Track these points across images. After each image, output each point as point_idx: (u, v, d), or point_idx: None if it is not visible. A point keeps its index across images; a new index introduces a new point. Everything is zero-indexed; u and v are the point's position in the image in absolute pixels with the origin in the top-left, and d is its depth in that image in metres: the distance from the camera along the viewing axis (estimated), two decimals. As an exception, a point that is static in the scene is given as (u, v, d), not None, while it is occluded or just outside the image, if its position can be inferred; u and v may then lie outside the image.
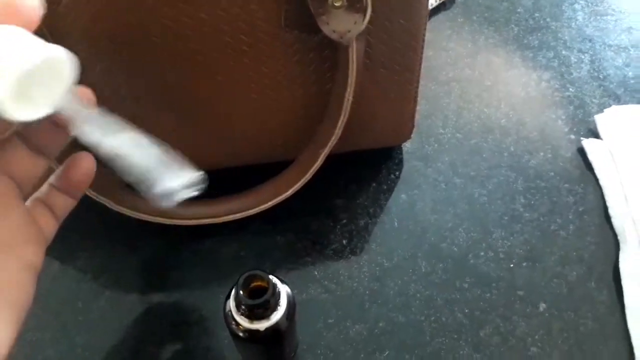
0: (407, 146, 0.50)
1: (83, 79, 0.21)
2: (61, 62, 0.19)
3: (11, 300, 0.22)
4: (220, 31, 0.33)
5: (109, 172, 0.40)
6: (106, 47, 0.33)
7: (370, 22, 0.33)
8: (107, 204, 0.40)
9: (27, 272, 0.24)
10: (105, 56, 0.34)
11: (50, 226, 0.27)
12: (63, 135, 0.25)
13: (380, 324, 0.40)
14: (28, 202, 0.26)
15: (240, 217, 0.42)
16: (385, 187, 0.48)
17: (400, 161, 0.50)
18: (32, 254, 0.24)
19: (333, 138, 0.39)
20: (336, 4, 0.32)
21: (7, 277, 0.23)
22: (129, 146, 0.20)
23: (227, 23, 0.33)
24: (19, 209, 0.24)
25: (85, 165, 0.27)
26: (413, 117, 0.45)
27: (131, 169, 0.20)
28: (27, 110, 0.19)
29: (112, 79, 0.35)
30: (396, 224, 0.46)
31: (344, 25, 0.32)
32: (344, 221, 0.46)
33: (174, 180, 0.20)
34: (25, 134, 0.24)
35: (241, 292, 0.30)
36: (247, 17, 0.33)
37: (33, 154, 0.25)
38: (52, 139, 0.25)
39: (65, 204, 0.28)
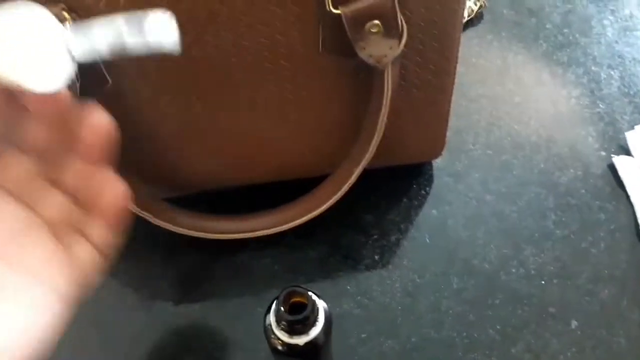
0: (437, 162, 0.51)
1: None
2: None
3: (26, 325, 0.22)
4: (262, 58, 0.34)
5: (149, 187, 0.41)
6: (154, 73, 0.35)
7: (405, 46, 0.34)
8: (147, 218, 0.41)
9: (52, 296, 0.23)
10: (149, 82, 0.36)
11: (86, 253, 0.26)
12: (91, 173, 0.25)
13: (413, 340, 0.41)
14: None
15: (274, 232, 0.43)
16: (416, 202, 0.49)
17: (431, 177, 0.50)
18: (61, 281, 0.24)
19: (367, 156, 0.40)
20: (373, 30, 0.33)
21: (29, 300, 0.22)
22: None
23: (268, 49, 0.34)
24: (47, 239, 0.24)
25: (97, 118, 0.25)
26: (444, 135, 0.46)
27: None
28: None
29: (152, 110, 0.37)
30: (427, 239, 0.46)
31: (380, 50, 0.33)
32: (375, 236, 0.47)
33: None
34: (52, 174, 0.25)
35: (282, 307, 0.31)
36: (286, 43, 0.34)
37: (62, 194, 0.25)
38: (80, 176, 0.25)
39: (100, 232, 0.26)
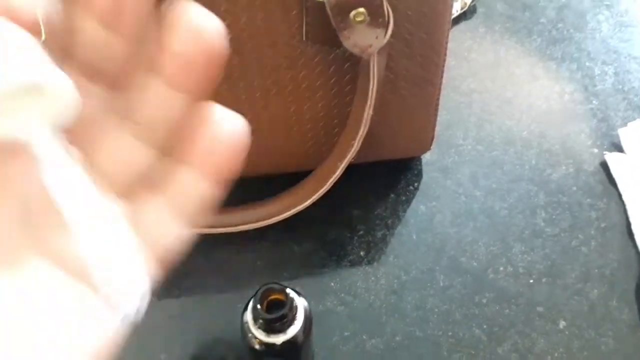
0: (426, 157, 0.50)
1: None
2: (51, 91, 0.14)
3: None
4: (244, 47, 0.33)
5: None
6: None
7: (391, 35, 0.33)
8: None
9: None
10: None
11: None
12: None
13: (397, 338, 0.40)
14: None
15: (258, 226, 0.42)
16: (403, 198, 0.48)
17: (420, 172, 0.49)
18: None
19: (352, 150, 0.39)
20: (358, 19, 0.31)
21: None
22: None
23: (250, 38, 0.33)
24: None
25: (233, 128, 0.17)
26: (433, 129, 0.45)
27: None
28: None
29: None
30: (414, 236, 0.45)
31: (365, 40, 0.32)
32: (361, 232, 0.46)
33: None
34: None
35: (258, 305, 0.30)
36: (269, 32, 0.33)
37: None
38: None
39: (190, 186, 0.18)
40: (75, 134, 0.16)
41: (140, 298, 0.17)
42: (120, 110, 0.17)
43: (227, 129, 0.17)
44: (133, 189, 0.17)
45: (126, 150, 0.17)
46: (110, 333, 0.18)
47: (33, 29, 0.14)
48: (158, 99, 0.17)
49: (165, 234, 0.18)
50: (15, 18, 0.14)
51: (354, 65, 0.35)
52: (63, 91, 0.14)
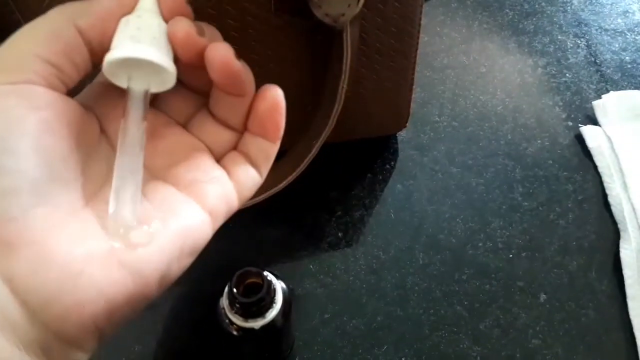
0: (402, 135, 0.49)
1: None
2: (161, 70, 0.22)
3: None
4: (207, 16, 0.31)
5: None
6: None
7: (364, 5, 0.31)
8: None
9: (206, 216, 0.24)
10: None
11: (246, 174, 0.25)
12: (240, 106, 0.25)
13: (378, 318, 0.39)
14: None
15: (232, 210, 0.41)
16: (380, 177, 0.47)
17: (396, 151, 0.48)
18: (217, 202, 0.24)
19: (327, 128, 0.37)
20: (329, -14, 0.30)
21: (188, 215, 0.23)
22: None
23: (214, 9, 0.31)
24: (209, 163, 0.25)
25: (270, 94, 0.25)
26: (409, 104, 0.44)
27: None
28: (117, 74, 0.22)
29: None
30: (392, 215, 0.45)
31: (337, 8, 0.31)
32: (339, 213, 0.45)
33: None
34: (210, 108, 0.25)
35: (235, 289, 0.28)
36: (235, 2, 0.31)
37: (219, 125, 0.25)
38: (230, 109, 0.25)
39: (259, 147, 0.26)
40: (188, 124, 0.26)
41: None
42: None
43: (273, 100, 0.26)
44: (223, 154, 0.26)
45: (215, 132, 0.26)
46: None
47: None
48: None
49: (249, 183, 0.25)
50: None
51: (327, 37, 0.33)
52: (171, 73, 0.22)
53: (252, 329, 0.29)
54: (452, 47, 0.55)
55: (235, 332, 0.30)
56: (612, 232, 0.43)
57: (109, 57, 0.21)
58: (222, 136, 0.25)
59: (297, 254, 0.42)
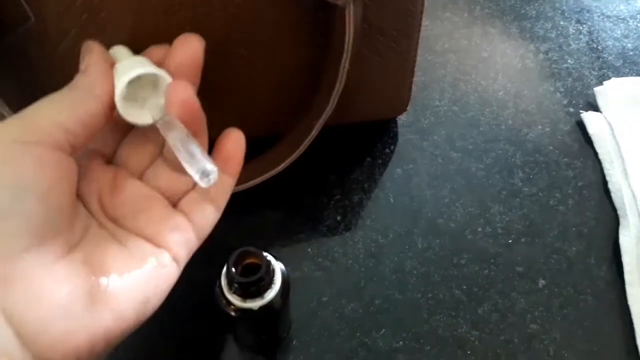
0: (402, 119, 0.49)
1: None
2: (160, 78, 0.27)
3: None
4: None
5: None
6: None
7: (368, -17, 0.31)
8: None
9: (169, 261, 0.27)
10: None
11: (204, 214, 0.29)
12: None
13: (376, 302, 0.39)
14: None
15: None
16: (380, 161, 0.46)
17: (395, 135, 0.48)
18: (179, 247, 0.28)
19: (327, 109, 0.37)
20: (332, -38, 0.29)
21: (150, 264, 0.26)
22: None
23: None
24: (167, 210, 0.28)
25: (236, 135, 0.29)
26: (410, 88, 0.43)
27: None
28: (133, 114, 0.27)
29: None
30: (391, 199, 0.44)
31: (340, -15, 0.30)
32: (338, 197, 0.44)
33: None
34: (165, 154, 0.28)
35: (233, 269, 0.28)
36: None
37: (175, 171, 0.28)
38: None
39: (218, 187, 0.29)
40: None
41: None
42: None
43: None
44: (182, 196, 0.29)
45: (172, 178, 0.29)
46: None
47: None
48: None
49: (208, 223, 0.30)
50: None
51: (329, 15, 0.33)
52: (162, 77, 0.27)
53: (250, 310, 0.29)
54: (453, 31, 0.55)
55: (233, 313, 0.30)
56: (611, 219, 0.43)
57: (116, 97, 0.26)
58: (178, 181, 0.28)
59: (295, 237, 0.42)
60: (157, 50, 0.29)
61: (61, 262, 0.23)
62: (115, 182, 0.27)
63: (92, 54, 0.26)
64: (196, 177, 0.24)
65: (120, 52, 0.28)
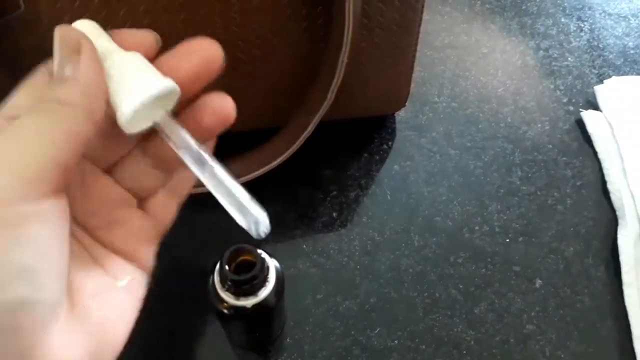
0: (400, 115, 0.48)
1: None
2: (170, 91, 0.21)
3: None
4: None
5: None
6: None
7: (368, -25, 0.30)
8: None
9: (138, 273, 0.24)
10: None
11: (166, 209, 0.25)
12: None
13: (371, 300, 0.39)
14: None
15: (224, 187, 0.40)
16: (377, 157, 0.46)
17: (393, 131, 0.47)
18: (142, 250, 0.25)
19: (325, 103, 0.36)
20: (333, -47, 0.29)
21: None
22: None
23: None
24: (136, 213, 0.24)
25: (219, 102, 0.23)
26: (409, 83, 0.43)
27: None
28: (135, 124, 0.21)
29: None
30: (388, 196, 0.44)
31: (340, -23, 0.29)
32: (334, 193, 0.44)
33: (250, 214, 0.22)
34: (151, 151, 0.24)
35: (226, 267, 0.27)
36: (234, -34, 0.30)
37: (149, 166, 0.24)
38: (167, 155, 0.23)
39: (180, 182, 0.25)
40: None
41: None
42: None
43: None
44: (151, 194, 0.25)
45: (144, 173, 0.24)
46: None
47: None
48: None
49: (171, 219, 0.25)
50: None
51: (328, 7, 0.32)
52: (174, 90, 0.21)
53: (243, 308, 0.29)
54: (453, 26, 0.54)
55: (226, 311, 0.29)
56: (609, 219, 0.43)
57: (125, 117, 0.20)
58: (154, 178, 0.25)
59: (291, 233, 0.41)
60: (131, 35, 0.22)
61: (64, 325, 0.20)
62: (84, 179, 0.23)
63: (84, 53, 0.20)
64: (243, 225, 0.21)
65: (91, 31, 0.21)
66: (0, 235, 0.17)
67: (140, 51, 0.21)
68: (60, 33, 0.20)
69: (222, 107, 0.23)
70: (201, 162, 0.22)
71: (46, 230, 0.18)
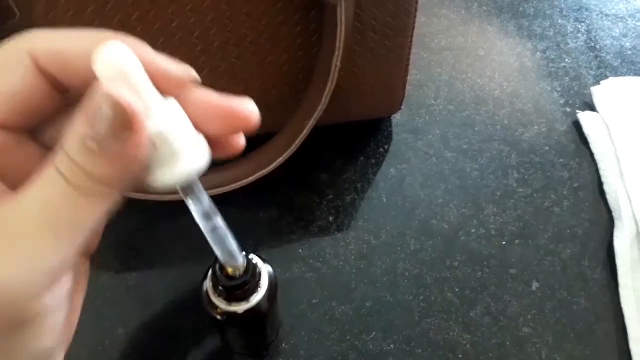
0: (396, 118, 0.48)
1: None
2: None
3: None
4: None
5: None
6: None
7: (360, -20, 0.30)
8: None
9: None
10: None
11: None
12: None
13: (367, 304, 0.39)
14: None
15: (220, 192, 0.40)
16: (373, 161, 0.46)
17: (389, 134, 0.47)
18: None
19: (319, 108, 0.36)
20: (323, -41, 0.29)
21: None
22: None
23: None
24: None
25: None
26: (404, 86, 0.43)
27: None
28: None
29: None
30: (384, 199, 0.44)
31: (331, -18, 0.29)
32: (330, 197, 0.44)
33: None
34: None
35: (218, 272, 0.27)
36: (225, -28, 0.30)
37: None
38: None
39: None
40: None
41: None
42: None
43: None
44: None
45: None
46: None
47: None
48: None
49: None
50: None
51: (321, 12, 0.32)
52: (205, 154, 0.20)
53: (235, 313, 0.29)
54: (449, 28, 0.54)
55: (218, 316, 0.29)
56: (606, 221, 0.43)
57: (161, 185, 0.19)
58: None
59: (286, 237, 0.41)
60: (168, 72, 0.19)
61: None
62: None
63: (137, 132, 0.16)
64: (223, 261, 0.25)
65: (126, 63, 0.17)
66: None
67: (174, 92, 0.19)
68: (111, 102, 0.16)
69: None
70: (207, 216, 0.23)
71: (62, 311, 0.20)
